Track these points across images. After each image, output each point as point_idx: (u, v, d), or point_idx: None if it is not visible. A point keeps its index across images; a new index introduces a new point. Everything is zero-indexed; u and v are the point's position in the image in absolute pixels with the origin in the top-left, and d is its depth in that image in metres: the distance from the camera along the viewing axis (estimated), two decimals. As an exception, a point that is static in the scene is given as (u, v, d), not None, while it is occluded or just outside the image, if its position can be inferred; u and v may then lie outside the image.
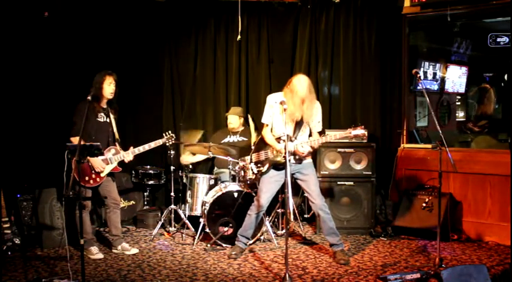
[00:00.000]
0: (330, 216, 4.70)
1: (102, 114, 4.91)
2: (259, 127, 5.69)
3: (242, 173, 5.24)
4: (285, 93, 4.52)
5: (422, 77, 7.05)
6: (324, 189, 5.50)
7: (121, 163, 4.96)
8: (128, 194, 6.20)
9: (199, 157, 6.08)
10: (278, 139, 4.59)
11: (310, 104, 4.48)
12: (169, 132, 5.20)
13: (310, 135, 4.67)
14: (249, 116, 6.23)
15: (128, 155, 4.92)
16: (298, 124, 4.55)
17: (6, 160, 5.23)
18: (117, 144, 5.00)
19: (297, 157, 4.57)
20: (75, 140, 4.71)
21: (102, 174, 4.81)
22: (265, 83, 6.48)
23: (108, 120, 4.96)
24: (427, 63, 7.34)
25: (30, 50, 5.65)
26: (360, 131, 4.42)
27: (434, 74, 7.42)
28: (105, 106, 4.93)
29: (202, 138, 6.33)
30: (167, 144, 5.17)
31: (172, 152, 5.60)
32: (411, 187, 5.80)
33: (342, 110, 6.33)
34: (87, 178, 4.75)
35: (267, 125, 4.69)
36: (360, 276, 4.27)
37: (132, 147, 4.95)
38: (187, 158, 6.06)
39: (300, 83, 4.40)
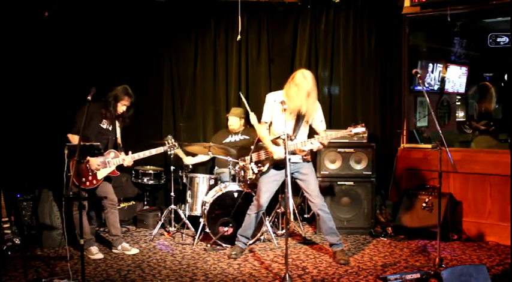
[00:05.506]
0: (330, 216, 4.70)
1: (107, 121, 4.92)
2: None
3: (242, 173, 5.24)
4: (288, 88, 4.49)
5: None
6: (324, 189, 5.50)
7: (119, 167, 4.96)
8: (127, 194, 6.20)
9: (201, 158, 6.08)
10: (278, 138, 4.58)
11: (314, 99, 4.50)
12: (173, 140, 5.18)
13: (309, 134, 4.67)
14: (241, 95, 6.18)
15: (128, 159, 4.92)
16: (298, 123, 4.54)
17: (6, 160, 5.23)
18: (118, 149, 4.99)
19: (302, 156, 4.57)
20: (71, 137, 4.72)
21: (98, 176, 4.80)
22: (265, 83, 6.47)
23: (110, 128, 4.96)
24: (430, 64, 7.35)
25: (31, 50, 5.65)
26: (361, 129, 4.42)
27: (429, 81, 7.42)
28: (113, 115, 4.93)
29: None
30: (168, 152, 5.17)
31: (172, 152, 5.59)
32: (411, 187, 5.79)
33: (342, 110, 6.33)
34: (83, 179, 4.74)
35: (265, 123, 4.68)
36: (360, 276, 4.27)
37: (130, 152, 4.95)
38: (189, 159, 6.05)
39: (305, 76, 4.41)
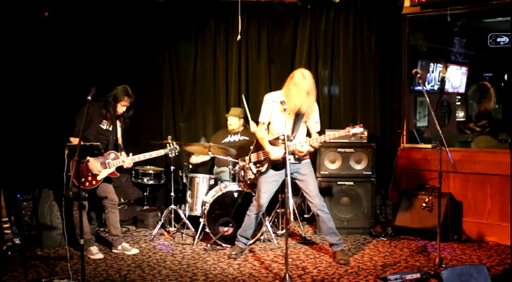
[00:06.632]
0: (329, 216, 4.70)
1: (107, 121, 4.91)
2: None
3: (242, 173, 5.24)
4: (287, 88, 4.48)
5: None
6: (324, 189, 5.51)
7: (119, 168, 4.95)
8: (127, 194, 6.19)
9: (204, 157, 6.08)
10: (277, 139, 4.58)
11: (313, 98, 4.50)
12: (174, 143, 5.18)
13: (307, 134, 4.67)
14: (243, 99, 6.20)
15: (127, 161, 4.91)
16: (296, 123, 4.54)
17: (6, 160, 5.23)
18: (119, 150, 4.99)
19: (296, 156, 4.57)
20: (74, 140, 4.72)
21: (98, 178, 4.80)
22: (265, 83, 6.48)
23: (111, 128, 4.95)
24: (430, 64, 7.35)
25: (30, 50, 5.65)
26: (359, 130, 4.43)
27: (431, 80, 7.42)
28: (113, 115, 4.92)
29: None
30: (169, 155, 5.16)
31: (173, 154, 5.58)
32: (411, 187, 5.79)
33: (342, 110, 6.33)
34: (83, 179, 4.73)
35: (263, 124, 4.68)
36: (360, 276, 4.26)
37: (131, 154, 4.95)
38: (195, 159, 6.06)
39: (304, 75, 4.41)
